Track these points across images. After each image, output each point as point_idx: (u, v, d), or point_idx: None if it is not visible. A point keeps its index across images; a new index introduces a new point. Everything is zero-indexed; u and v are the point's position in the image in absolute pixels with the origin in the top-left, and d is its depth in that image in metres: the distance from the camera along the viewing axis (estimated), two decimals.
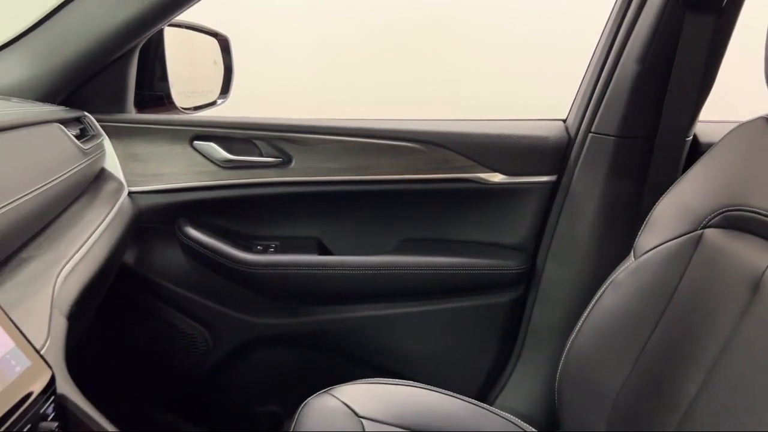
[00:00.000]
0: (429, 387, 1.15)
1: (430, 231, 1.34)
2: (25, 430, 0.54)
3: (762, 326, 0.80)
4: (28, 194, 0.79)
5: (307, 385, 1.11)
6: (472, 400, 1.15)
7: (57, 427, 0.57)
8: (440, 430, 1.08)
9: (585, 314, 1.03)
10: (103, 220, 0.99)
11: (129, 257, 1.24)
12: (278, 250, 1.29)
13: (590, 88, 1.24)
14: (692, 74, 1.14)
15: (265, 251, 1.28)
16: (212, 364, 1.33)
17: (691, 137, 1.23)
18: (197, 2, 1.13)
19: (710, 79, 1.16)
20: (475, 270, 1.30)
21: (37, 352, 0.59)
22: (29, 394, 0.55)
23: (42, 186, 0.84)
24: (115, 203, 1.08)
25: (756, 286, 0.82)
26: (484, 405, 1.15)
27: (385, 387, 1.15)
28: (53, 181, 0.88)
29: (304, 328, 1.33)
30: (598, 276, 1.05)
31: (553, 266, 1.31)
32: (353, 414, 1.06)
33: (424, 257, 1.29)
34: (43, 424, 0.56)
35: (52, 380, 0.59)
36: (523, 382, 1.36)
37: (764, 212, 0.83)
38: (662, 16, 1.12)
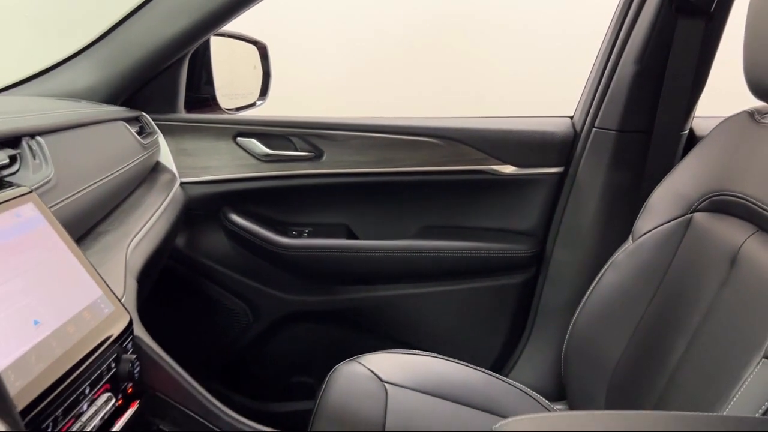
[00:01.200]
0: (448, 358, 1.26)
1: (448, 218, 1.46)
2: (112, 357, 0.69)
3: (737, 295, 0.91)
4: (102, 179, 0.95)
5: (335, 358, 1.22)
6: (488, 371, 1.25)
7: (135, 359, 0.72)
8: (457, 396, 1.18)
9: (588, 293, 1.14)
10: (161, 205, 1.14)
11: (180, 241, 1.39)
12: (311, 235, 1.42)
13: (594, 87, 1.35)
14: (684, 74, 1.24)
15: (299, 236, 1.42)
16: (252, 338, 1.47)
17: (687, 131, 1.33)
18: (239, 15, 1.27)
19: (702, 78, 1.27)
20: (489, 254, 1.42)
21: (119, 300, 0.74)
22: (115, 331, 0.70)
23: (112, 173, 0.99)
24: (170, 192, 1.23)
25: (733, 260, 0.93)
26: (499, 375, 1.25)
27: (407, 356, 1.26)
28: (121, 169, 1.04)
29: (333, 305, 1.46)
30: (602, 258, 1.15)
31: (561, 250, 1.42)
32: (377, 379, 1.18)
33: (442, 242, 1.41)
34: (125, 356, 0.71)
35: (130, 323, 0.74)
36: (534, 356, 1.47)
37: (744, 196, 0.94)
38: (656, 21, 1.23)
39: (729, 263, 0.94)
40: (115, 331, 0.71)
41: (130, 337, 0.74)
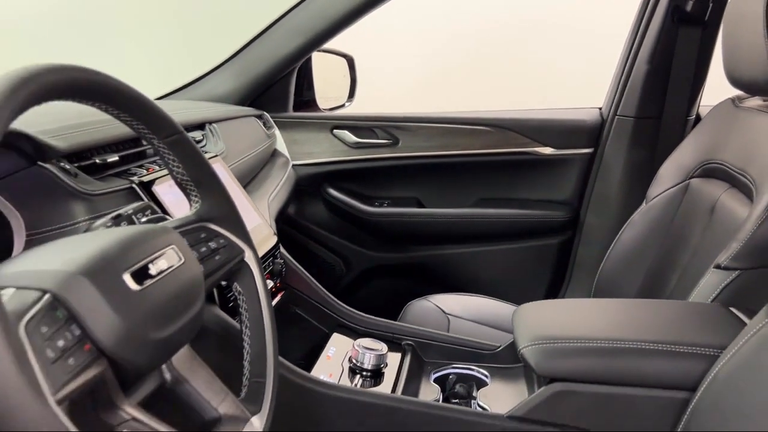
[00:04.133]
0: (500, 300, 1.59)
1: (498, 191, 1.80)
2: (269, 259, 1.09)
3: (711, 235, 1.22)
4: (248, 155, 1.36)
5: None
6: None
7: (282, 263, 1.12)
8: (507, 327, 1.51)
9: (611, 246, 1.47)
10: (281, 179, 1.55)
11: (291, 209, 1.80)
12: (389, 205, 1.80)
13: (616, 83, 1.68)
14: (686, 71, 1.55)
15: (380, 206, 1.79)
16: (344, 286, 1.86)
17: (694, 116, 1.63)
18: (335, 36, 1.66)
19: (702, 74, 1.57)
20: (532, 219, 1.75)
21: (270, 227, 1.15)
22: (270, 244, 1.11)
23: (252, 152, 1.41)
24: (286, 171, 1.64)
25: (712, 210, 1.25)
26: None
27: (466, 297, 1.61)
28: (256, 150, 1.45)
29: (407, 260, 1.84)
30: (624, 221, 1.45)
31: (592, 215, 1.74)
32: (442, 311, 1.54)
33: (494, 210, 1.76)
34: (276, 260, 1.12)
35: (278, 242, 1.14)
36: None
37: (724, 162, 1.25)
38: (662, 29, 1.55)
39: (710, 213, 1.26)
40: (270, 243, 1.11)
41: (278, 250, 1.14)
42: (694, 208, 1.33)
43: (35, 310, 0.48)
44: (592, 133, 1.71)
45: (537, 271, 1.80)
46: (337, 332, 1.19)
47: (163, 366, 0.63)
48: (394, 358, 1.12)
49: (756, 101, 1.28)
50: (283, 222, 1.76)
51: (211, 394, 0.65)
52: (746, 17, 1.13)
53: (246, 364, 0.72)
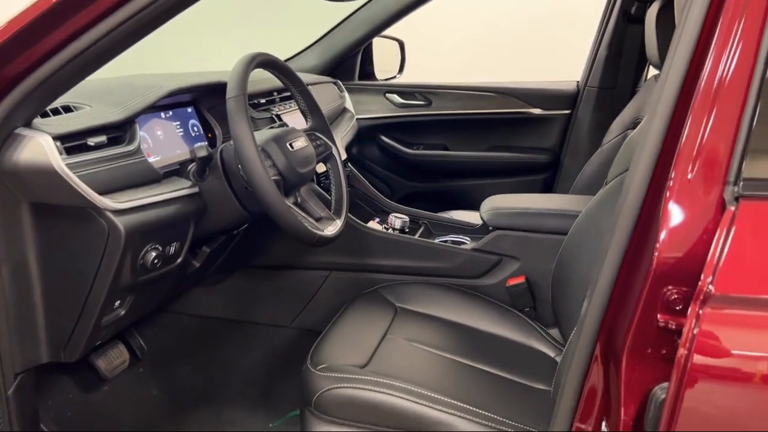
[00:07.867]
0: None
1: (502, 140, 2.48)
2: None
3: None
4: (329, 107, 2.10)
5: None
6: None
7: (349, 171, 1.87)
8: None
9: (575, 180, 2.16)
10: (349, 126, 2.28)
11: (354, 149, 2.54)
12: (424, 149, 2.52)
13: (587, 63, 2.34)
14: (632, 56, 2.21)
15: (418, 149, 2.52)
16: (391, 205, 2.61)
17: (641, 88, 2.28)
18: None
19: (644, 59, 2.22)
20: (526, 161, 2.44)
21: (342, 149, 1.90)
22: (343, 156, 1.85)
23: (331, 105, 2.15)
24: (352, 122, 2.37)
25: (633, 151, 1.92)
26: None
27: (474, 212, 2.32)
28: (333, 105, 2.19)
29: (435, 189, 2.57)
30: None
31: (569, 158, 2.42)
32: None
33: (498, 153, 2.46)
34: (346, 168, 1.86)
35: (347, 158, 1.89)
36: None
37: (642, 118, 1.92)
38: (616, 25, 2.21)
39: (632, 153, 1.93)
40: (343, 157, 1.86)
41: (347, 163, 1.89)
42: (627, 150, 2.00)
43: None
44: (570, 99, 2.39)
45: None
46: (379, 214, 1.95)
47: (296, 192, 1.39)
48: (413, 231, 1.86)
49: None
50: (349, 160, 2.51)
51: (317, 208, 1.41)
52: (650, 20, 1.80)
53: (333, 200, 1.48)
